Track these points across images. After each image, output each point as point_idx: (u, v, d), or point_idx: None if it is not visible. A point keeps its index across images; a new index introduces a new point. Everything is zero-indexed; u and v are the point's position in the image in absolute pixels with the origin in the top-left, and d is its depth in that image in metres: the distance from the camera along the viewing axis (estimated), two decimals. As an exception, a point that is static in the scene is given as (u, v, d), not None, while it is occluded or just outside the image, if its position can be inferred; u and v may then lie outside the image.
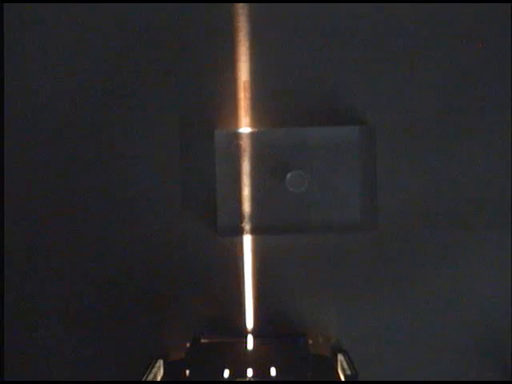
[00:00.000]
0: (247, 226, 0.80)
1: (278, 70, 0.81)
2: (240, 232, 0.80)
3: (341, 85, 0.82)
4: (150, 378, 0.73)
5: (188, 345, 0.79)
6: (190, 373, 0.71)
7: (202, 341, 0.79)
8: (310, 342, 0.81)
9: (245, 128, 0.80)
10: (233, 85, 0.81)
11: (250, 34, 0.81)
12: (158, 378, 0.76)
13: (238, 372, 0.71)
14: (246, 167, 0.79)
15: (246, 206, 0.80)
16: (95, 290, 0.82)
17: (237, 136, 0.80)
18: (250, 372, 0.71)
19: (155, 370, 0.76)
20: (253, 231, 0.80)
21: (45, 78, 0.81)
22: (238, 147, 0.80)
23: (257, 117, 0.81)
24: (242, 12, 0.81)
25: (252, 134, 0.80)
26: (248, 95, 0.81)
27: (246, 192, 0.79)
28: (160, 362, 0.78)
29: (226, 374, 0.71)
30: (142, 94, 0.82)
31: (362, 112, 0.82)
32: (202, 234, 0.81)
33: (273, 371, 0.72)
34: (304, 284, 0.82)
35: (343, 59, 0.82)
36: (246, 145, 0.79)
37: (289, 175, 0.80)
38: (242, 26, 0.81)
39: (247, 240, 0.82)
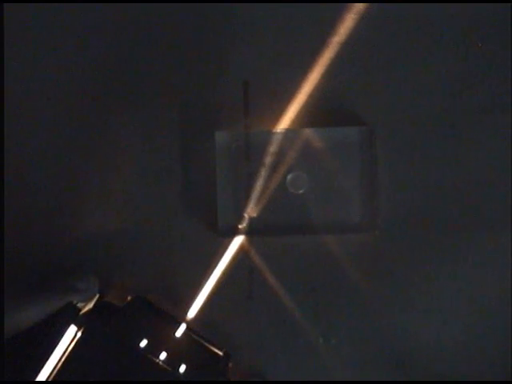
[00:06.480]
0: (247, 227, 0.80)
1: (278, 71, 0.81)
2: (240, 233, 0.80)
3: (342, 85, 0.82)
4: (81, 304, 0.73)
5: (129, 298, 0.78)
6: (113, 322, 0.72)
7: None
8: (231, 365, 0.78)
9: (245, 129, 0.80)
10: (234, 85, 0.81)
11: (251, 34, 0.81)
12: (85, 309, 0.74)
13: (153, 349, 0.71)
14: (246, 168, 0.79)
15: (247, 207, 0.79)
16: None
17: (237, 137, 0.79)
18: (162, 355, 0.71)
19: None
20: (253, 232, 0.80)
21: (43, 76, 0.81)
22: (238, 148, 0.79)
23: (257, 117, 0.81)
24: (242, 12, 0.81)
25: (252, 135, 0.79)
26: (249, 96, 0.81)
27: (247, 193, 0.79)
28: (96, 297, 0.77)
29: (143, 344, 0.71)
30: (141, 94, 0.81)
31: (362, 112, 0.82)
32: (202, 235, 0.81)
33: (182, 368, 0.71)
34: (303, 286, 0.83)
35: (343, 59, 0.81)
36: (246, 146, 0.79)
37: (289, 176, 0.80)
38: (242, 26, 0.81)
39: (247, 241, 0.82)
